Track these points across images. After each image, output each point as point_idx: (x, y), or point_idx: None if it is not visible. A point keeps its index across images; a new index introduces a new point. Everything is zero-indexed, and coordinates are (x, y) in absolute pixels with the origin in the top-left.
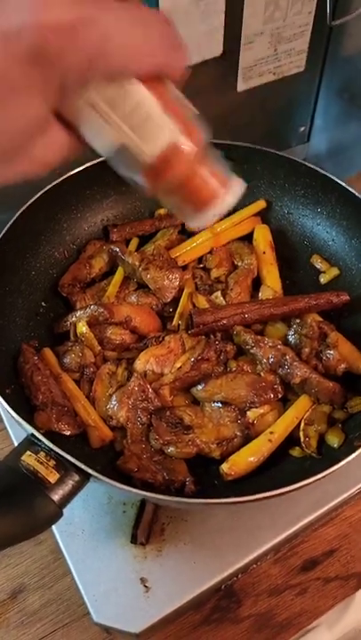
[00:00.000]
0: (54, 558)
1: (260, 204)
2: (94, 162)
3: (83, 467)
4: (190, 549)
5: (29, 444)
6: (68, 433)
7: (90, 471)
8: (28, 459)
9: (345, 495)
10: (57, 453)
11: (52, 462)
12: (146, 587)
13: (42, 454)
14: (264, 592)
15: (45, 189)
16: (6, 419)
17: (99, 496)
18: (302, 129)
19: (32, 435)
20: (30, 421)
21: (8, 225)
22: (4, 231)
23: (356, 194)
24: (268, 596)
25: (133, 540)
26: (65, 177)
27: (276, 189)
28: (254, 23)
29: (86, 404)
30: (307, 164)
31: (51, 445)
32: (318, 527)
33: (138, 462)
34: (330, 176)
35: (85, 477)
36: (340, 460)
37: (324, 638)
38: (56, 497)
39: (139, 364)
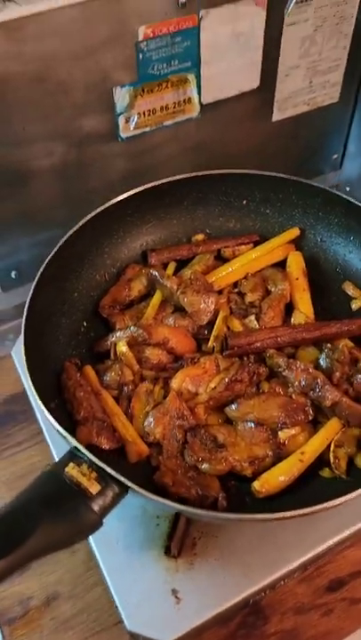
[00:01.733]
0: (86, 568)
1: (294, 232)
2: (136, 190)
3: (123, 479)
4: (220, 565)
5: (72, 456)
6: (107, 447)
7: (129, 484)
8: (72, 470)
9: None
10: (98, 466)
11: (94, 474)
12: (177, 598)
13: (84, 466)
14: (290, 610)
15: (90, 215)
16: (47, 432)
17: (133, 509)
18: (335, 156)
19: (75, 447)
20: (73, 435)
21: (55, 248)
22: (51, 254)
23: None
24: (294, 615)
25: (167, 551)
26: (108, 204)
27: (310, 218)
28: (291, 57)
29: (125, 420)
30: (341, 194)
31: (93, 458)
32: (345, 548)
33: (173, 477)
34: None
35: (124, 490)
36: None
37: None
38: (97, 507)
39: (175, 383)
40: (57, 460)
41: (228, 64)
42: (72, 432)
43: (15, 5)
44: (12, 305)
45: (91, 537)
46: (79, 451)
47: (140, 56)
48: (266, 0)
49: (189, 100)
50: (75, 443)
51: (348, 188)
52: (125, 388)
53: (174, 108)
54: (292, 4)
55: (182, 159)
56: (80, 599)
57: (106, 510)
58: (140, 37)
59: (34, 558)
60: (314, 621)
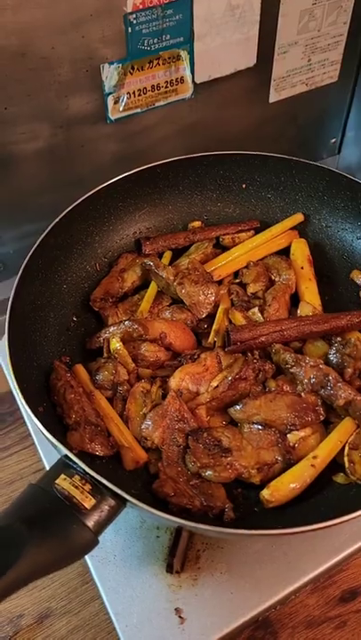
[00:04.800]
0: (81, 582)
1: (298, 218)
2: (128, 173)
3: (120, 492)
4: (227, 579)
5: (63, 466)
6: (101, 454)
7: (128, 497)
8: (63, 482)
9: None
10: (92, 477)
11: (88, 486)
12: (181, 617)
13: (77, 478)
14: (301, 624)
15: (79, 201)
16: (36, 435)
17: (131, 520)
18: (333, 140)
19: (66, 456)
20: (64, 442)
21: (41, 237)
22: (36, 243)
23: None
24: (306, 628)
25: (169, 569)
26: (99, 188)
27: (314, 202)
28: (289, 33)
29: (120, 423)
30: (349, 176)
31: (86, 469)
32: (358, 556)
33: (174, 486)
34: None
35: (122, 503)
36: None
37: None
38: (92, 524)
39: (173, 382)
40: (47, 465)
41: (222, 39)
42: (63, 438)
43: None
44: None
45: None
46: (71, 460)
47: (130, 30)
48: None
49: (182, 78)
50: (65, 451)
51: (346, 172)
52: (120, 389)
53: (166, 87)
54: None
55: (176, 142)
56: (75, 615)
57: (102, 527)
58: (129, 9)
59: (21, 586)
60: (327, 635)
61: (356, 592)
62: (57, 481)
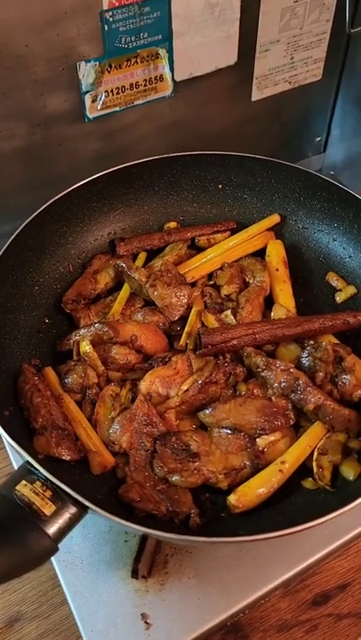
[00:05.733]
0: (53, 585)
1: (274, 219)
2: (102, 173)
3: (81, 499)
4: (195, 584)
5: (26, 471)
6: (67, 458)
7: (88, 503)
8: (23, 489)
9: (360, 529)
10: (53, 483)
11: (49, 493)
12: (147, 623)
13: (38, 484)
14: (272, 627)
15: (51, 201)
16: (5, 441)
17: (99, 524)
18: (318, 139)
19: (28, 462)
20: (28, 448)
21: (11, 237)
22: (7, 244)
23: None
24: (277, 632)
25: (134, 574)
26: (72, 188)
27: (290, 203)
28: (270, 31)
29: (88, 427)
30: (324, 177)
31: (48, 475)
32: (331, 559)
33: (140, 491)
34: (348, 190)
35: (83, 509)
36: (356, 497)
37: None
38: (51, 531)
39: (143, 386)
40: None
41: (202, 37)
42: (29, 442)
43: None
44: None
45: (52, 556)
46: (32, 466)
47: (106, 27)
48: None
49: (161, 77)
50: (27, 457)
51: (332, 173)
52: (89, 392)
53: (145, 85)
54: None
55: (156, 141)
56: (45, 619)
57: (62, 534)
58: (105, 6)
59: None
60: (298, 639)
61: (328, 595)
62: (17, 487)
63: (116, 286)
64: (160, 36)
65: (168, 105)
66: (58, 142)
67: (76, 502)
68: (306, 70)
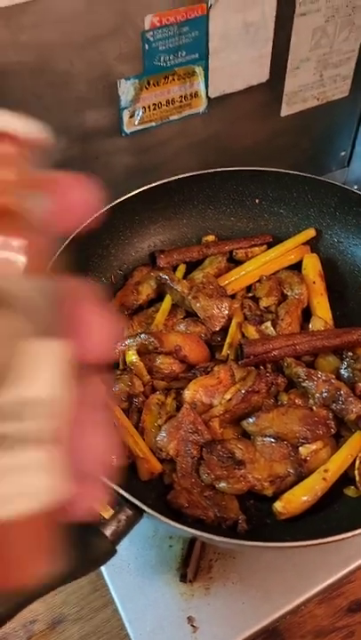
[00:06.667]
0: (92, 589)
1: (310, 233)
2: (144, 188)
3: (137, 503)
4: (239, 589)
5: None
6: (117, 464)
7: (145, 508)
8: None
9: None
10: (110, 487)
11: (107, 497)
12: (193, 626)
13: None
14: (310, 633)
15: (95, 216)
16: None
17: (144, 529)
18: (343, 153)
19: None
20: None
21: (59, 251)
22: (54, 257)
23: None
24: (315, 638)
25: (183, 578)
26: (114, 203)
27: (326, 218)
28: (301, 50)
29: (135, 434)
30: (360, 192)
31: (105, 479)
32: None
33: (188, 497)
34: None
35: (139, 513)
36: None
37: None
38: (110, 533)
39: (188, 395)
40: None
41: (237, 56)
42: None
43: None
44: None
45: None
46: None
47: (146, 47)
48: None
49: (196, 93)
50: None
51: (355, 187)
52: (135, 400)
53: (181, 101)
54: None
55: (189, 155)
56: (88, 622)
57: (119, 536)
58: (147, 27)
59: (39, 596)
60: None
61: None
62: None
63: (157, 297)
64: (197, 55)
65: (201, 121)
66: (95, 156)
67: (132, 506)
68: (334, 87)
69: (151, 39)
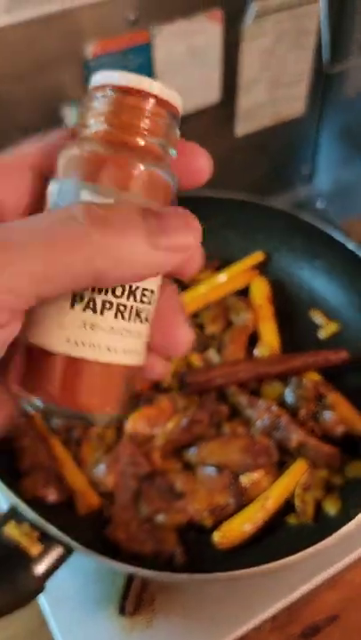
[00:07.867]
0: (41, 622)
1: (258, 257)
2: None
3: (67, 540)
4: (182, 621)
5: (14, 512)
6: (52, 499)
7: (74, 544)
8: (12, 530)
9: (346, 559)
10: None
11: (36, 533)
12: None
13: (26, 525)
14: None
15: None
16: None
17: (87, 562)
18: (305, 170)
19: (15, 504)
20: (16, 488)
21: None
22: None
23: (356, 251)
24: None
25: (121, 611)
26: None
27: (274, 241)
28: (251, 72)
29: (74, 468)
30: (303, 218)
31: (34, 516)
32: (321, 590)
33: (127, 531)
34: (328, 232)
35: (70, 549)
36: (336, 530)
37: None
38: (38, 570)
39: (128, 426)
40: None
41: (184, 80)
42: (16, 484)
43: None
44: None
45: (42, 594)
46: (19, 507)
47: (91, 74)
48: (221, 15)
49: None
50: (14, 499)
51: (319, 201)
52: (74, 432)
53: None
54: (250, 19)
55: None
56: None
57: (49, 573)
58: (90, 56)
59: None
60: None
61: (317, 627)
62: (5, 528)
63: None
64: None
65: None
66: None
67: (62, 543)
68: (288, 107)
69: (95, 66)
